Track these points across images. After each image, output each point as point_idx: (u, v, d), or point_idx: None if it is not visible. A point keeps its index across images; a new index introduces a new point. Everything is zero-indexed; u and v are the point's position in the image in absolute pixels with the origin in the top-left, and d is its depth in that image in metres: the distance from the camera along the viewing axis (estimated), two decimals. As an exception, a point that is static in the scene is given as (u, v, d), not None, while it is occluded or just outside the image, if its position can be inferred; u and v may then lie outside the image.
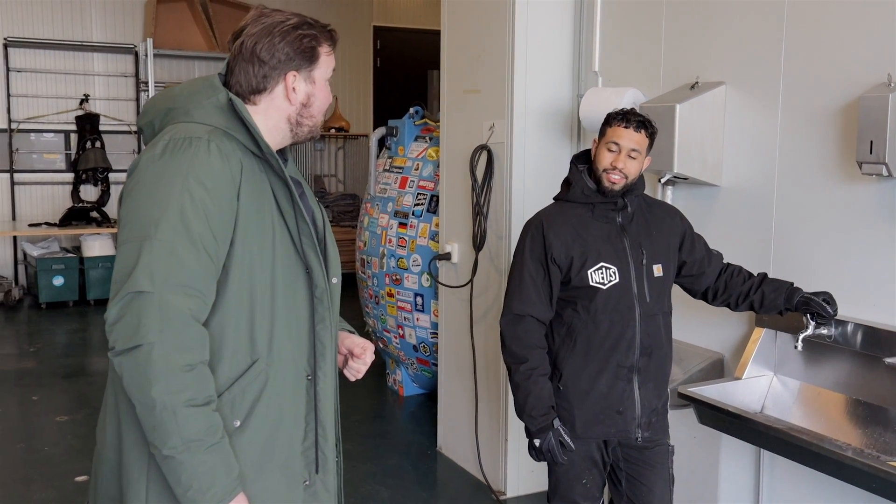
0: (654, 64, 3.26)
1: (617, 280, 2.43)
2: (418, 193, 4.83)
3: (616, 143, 2.43)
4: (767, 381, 2.85)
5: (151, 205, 1.55)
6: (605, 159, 2.44)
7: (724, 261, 2.67)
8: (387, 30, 9.28)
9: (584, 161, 2.55)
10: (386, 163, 5.15)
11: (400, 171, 4.98)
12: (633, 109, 2.50)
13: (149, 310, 1.48)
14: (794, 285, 2.53)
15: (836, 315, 2.47)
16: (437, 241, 4.50)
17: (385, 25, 9.28)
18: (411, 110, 5.04)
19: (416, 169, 4.89)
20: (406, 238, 4.83)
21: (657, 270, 2.49)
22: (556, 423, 2.41)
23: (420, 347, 4.90)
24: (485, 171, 3.80)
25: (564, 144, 3.73)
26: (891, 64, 2.40)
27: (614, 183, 2.43)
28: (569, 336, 2.47)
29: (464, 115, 3.99)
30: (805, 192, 2.72)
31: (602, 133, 2.48)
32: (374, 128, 5.31)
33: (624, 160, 2.42)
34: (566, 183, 2.58)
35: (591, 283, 2.42)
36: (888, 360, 2.41)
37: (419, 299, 4.80)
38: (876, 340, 2.50)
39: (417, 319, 4.84)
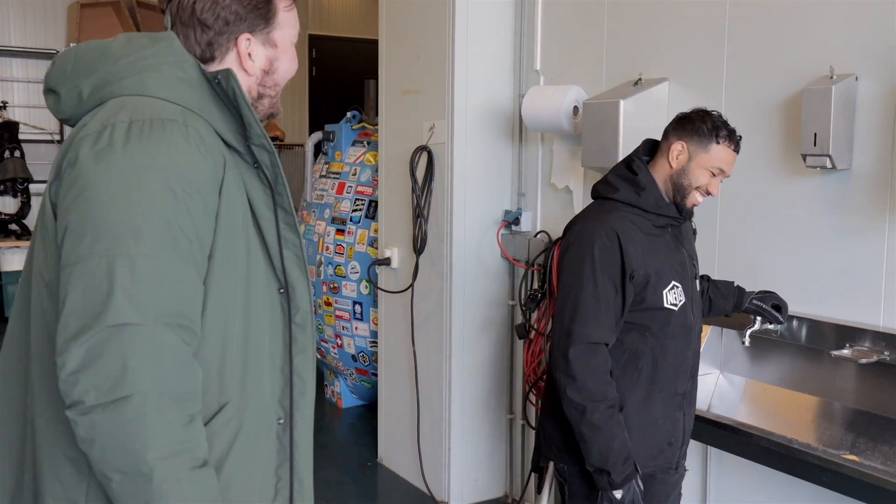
0: (596, 62, 3.23)
1: (685, 300, 2.15)
2: (356, 199, 4.72)
3: (722, 170, 2.13)
4: (714, 380, 2.83)
5: (124, 209, 1.19)
6: (700, 178, 2.12)
7: None
8: (322, 38, 9.16)
9: (646, 153, 2.21)
10: (322, 168, 5.03)
11: (337, 176, 4.87)
12: (728, 123, 2.18)
13: (138, 348, 1.14)
14: (739, 287, 2.47)
15: (784, 321, 2.42)
16: (376, 248, 4.40)
17: (320, 34, 9.15)
18: (348, 114, 4.94)
19: (354, 174, 4.78)
20: (344, 245, 4.71)
21: (698, 285, 2.29)
22: (636, 465, 2.09)
23: (359, 357, 4.77)
24: (425, 172, 3.71)
25: (506, 144, 3.68)
26: (832, 56, 2.41)
27: (697, 205, 2.16)
28: (632, 364, 2.14)
29: (403, 116, 3.90)
30: (749, 186, 2.71)
31: (703, 145, 2.12)
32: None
33: (719, 186, 2.15)
34: (633, 183, 2.16)
35: (665, 305, 2.11)
36: (834, 353, 2.40)
37: (358, 307, 4.68)
38: (821, 334, 2.49)
39: (356, 328, 4.72)
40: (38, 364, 1.32)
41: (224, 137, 1.33)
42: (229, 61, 1.40)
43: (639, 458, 2.11)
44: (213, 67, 1.39)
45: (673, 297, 2.13)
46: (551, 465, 2.32)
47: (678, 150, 2.14)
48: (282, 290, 1.39)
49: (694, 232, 2.40)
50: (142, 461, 1.14)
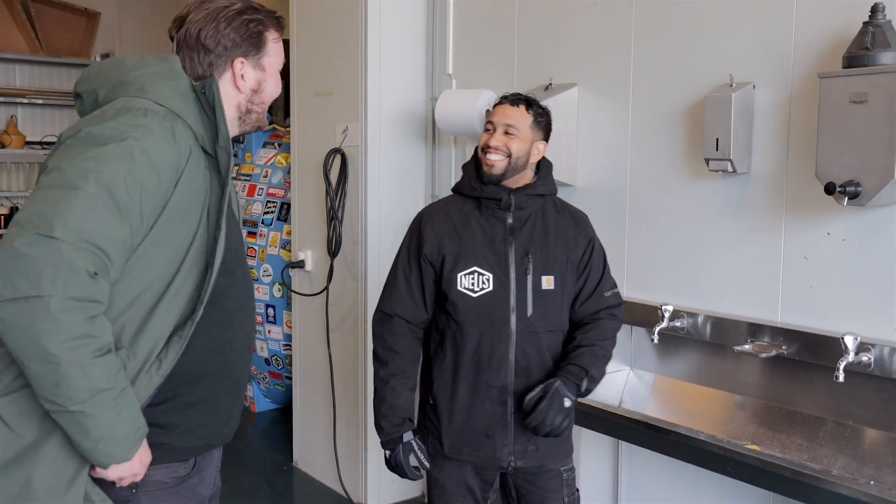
0: (508, 66, 3.29)
1: (490, 289, 2.19)
2: (268, 201, 4.67)
3: (491, 122, 2.26)
4: (624, 376, 2.92)
5: (88, 158, 1.45)
6: (481, 140, 2.26)
7: (610, 311, 2.33)
8: (227, 37, 8.97)
9: None
10: (233, 170, 4.94)
11: (248, 178, 4.80)
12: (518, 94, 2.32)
13: (55, 258, 1.38)
14: (578, 369, 2.22)
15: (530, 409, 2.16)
16: (289, 250, 4.36)
17: (225, 32, 8.96)
18: (258, 115, 4.86)
19: (265, 176, 4.72)
20: (256, 248, 4.65)
21: (547, 283, 2.22)
22: (408, 436, 2.21)
23: (273, 361, 4.72)
24: (339, 175, 3.70)
25: (419, 147, 3.70)
26: (732, 65, 2.53)
27: (491, 165, 2.21)
28: (440, 346, 2.27)
29: (316, 118, 3.88)
30: (656, 189, 2.81)
31: None
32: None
33: (499, 137, 2.21)
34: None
35: (458, 288, 2.20)
36: (736, 348, 2.52)
37: (271, 311, 4.63)
38: (724, 330, 2.61)
39: (269, 332, 4.66)
40: None
41: (202, 143, 1.60)
42: (225, 80, 1.68)
43: (450, 440, 2.26)
44: None
45: (469, 282, 2.21)
46: None
47: None
48: (207, 270, 1.63)
49: (588, 235, 2.32)
50: (47, 351, 1.38)
